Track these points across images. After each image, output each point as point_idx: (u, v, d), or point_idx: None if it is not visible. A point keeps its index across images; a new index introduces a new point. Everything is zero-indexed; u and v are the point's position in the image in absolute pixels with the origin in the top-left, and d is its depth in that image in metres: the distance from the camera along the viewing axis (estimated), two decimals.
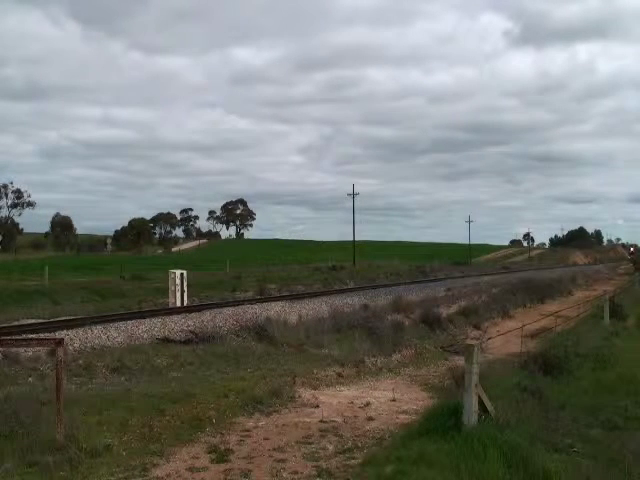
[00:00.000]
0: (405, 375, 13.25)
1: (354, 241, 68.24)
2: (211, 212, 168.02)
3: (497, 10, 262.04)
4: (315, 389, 10.75)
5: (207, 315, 18.05)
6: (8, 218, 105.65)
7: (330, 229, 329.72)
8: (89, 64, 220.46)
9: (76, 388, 9.52)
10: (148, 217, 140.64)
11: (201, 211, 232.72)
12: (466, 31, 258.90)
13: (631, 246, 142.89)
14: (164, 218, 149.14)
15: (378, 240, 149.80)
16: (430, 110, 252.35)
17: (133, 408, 8.10)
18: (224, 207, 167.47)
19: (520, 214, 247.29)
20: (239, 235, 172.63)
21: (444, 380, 12.13)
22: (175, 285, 20.70)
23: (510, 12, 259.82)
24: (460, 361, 11.70)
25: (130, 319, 16.59)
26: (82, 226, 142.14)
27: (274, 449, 7.24)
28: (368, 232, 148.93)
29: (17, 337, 12.41)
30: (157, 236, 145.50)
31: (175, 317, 17.35)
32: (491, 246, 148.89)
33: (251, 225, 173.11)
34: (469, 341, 6.73)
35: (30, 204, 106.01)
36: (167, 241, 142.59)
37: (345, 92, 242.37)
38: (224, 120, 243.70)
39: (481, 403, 6.50)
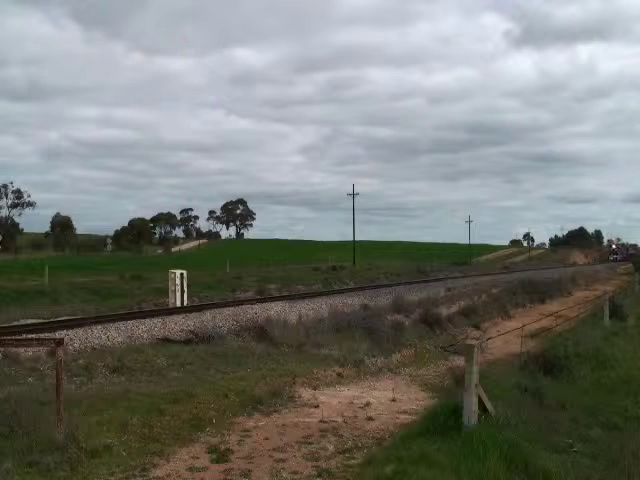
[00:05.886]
0: (405, 375, 13.25)
1: (354, 241, 68.26)
2: (211, 212, 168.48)
3: (498, 11, 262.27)
4: (315, 389, 10.75)
5: (207, 315, 18.03)
6: (8, 218, 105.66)
7: (330, 229, 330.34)
8: (90, 65, 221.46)
9: (76, 388, 9.51)
10: (148, 217, 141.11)
11: (201, 211, 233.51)
12: (467, 32, 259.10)
13: (614, 243, 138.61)
14: (164, 218, 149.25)
15: (378, 240, 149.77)
16: (430, 110, 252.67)
17: (133, 408, 8.10)
18: (224, 207, 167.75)
19: (520, 214, 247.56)
20: (239, 235, 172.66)
21: (444, 380, 12.13)
22: (175, 285, 20.69)
23: (511, 13, 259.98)
24: (460, 361, 11.70)
25: (130, 319, 16.57)
26: (82, 226, 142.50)
27: (274, 449, 7.24)
28: (368, 232, 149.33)
29: (17, 337, 12.40)
30: (157, 236, 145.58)
31: (175, 317, 17.33)
32: (491, 246, 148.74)
33: (251, 225, 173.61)
34: (469, 341, 6.73)
35: (30, 204, 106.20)
36: (167, 241, 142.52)
37: (345, 92, 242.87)
38: (224, 120, 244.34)
39: (481, 403, 6.51)
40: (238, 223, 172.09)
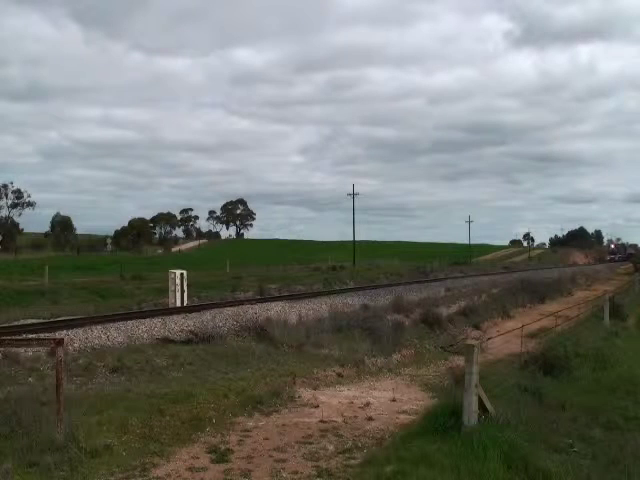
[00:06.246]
0: (405, 375, 13.24)
1: (354, 241, 68.27)
2: (211, 212, 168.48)
3: (498, 11, 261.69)
4: (315, 389, 10.75)
5: (207, 315, 18.02)
6: (8, 218, 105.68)
7: (330, 229, 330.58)
8: (90, 65, 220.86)
9: (76, 388, 9.52)
10: (148, 217, 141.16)
11: (201, 211, 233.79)
12: (467, 32, 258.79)
13: (613, 243, 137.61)
14: (164, 218, 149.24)
15: (378, 240, 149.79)
16: (430, 110, 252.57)
17: (133, 408, 8.10)
18: (224, 207, 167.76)
19: (520, 214, 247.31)
20: (239, 235, 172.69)
21: (444, 380, 12.12)
22: (175, 285, 20.69)
23: (511, 13, 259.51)
24: (460, 361, 11.70)
25: (130, 319, 16.57)
26: (82, 226, 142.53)
27: (274, 449, 7.24)
28: (368, 232, 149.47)
29: (17, 337, 12.41)
30: (157, 236, 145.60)
31: (175, 317, 17.32)
32: (491, 246, 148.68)
33: (251, 225, 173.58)
34: (469, 341, 6.74)
35: (30, 204, 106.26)
36: (167, 241, 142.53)
37: (345, 92, 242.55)
38: (224, 120, 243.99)
39: (481, 403, 6.51)
40: (238, 223, 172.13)
